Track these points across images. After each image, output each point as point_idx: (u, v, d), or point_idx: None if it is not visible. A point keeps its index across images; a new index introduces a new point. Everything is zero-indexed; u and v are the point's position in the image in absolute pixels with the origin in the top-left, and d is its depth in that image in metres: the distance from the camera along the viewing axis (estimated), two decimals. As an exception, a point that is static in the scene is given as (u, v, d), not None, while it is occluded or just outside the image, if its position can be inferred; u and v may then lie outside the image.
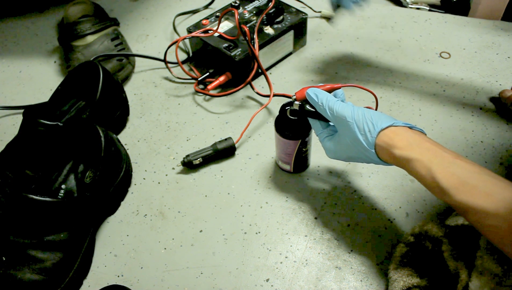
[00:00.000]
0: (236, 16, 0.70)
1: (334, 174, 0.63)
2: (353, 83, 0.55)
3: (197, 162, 0.63)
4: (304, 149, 0.58)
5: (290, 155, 0.59)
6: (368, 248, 0.54)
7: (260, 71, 0.75)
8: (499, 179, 0.38)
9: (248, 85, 0.75)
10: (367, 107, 0.55)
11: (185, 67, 0.81)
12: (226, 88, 0.76)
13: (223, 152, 0.65)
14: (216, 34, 0.75)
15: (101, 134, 0.57)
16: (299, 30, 0.80)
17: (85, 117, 0.64)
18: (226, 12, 0.74)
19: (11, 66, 0.86)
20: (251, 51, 0.71)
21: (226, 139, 0.66)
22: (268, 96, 0.72)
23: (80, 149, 0.61)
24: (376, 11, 0.91)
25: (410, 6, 0.95)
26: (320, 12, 0.90)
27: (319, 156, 0.64)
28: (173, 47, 0.84)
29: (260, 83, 0.77)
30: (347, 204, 0.59)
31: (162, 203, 0.61)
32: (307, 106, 0.52)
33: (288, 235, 0.56)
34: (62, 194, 0.59)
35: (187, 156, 0.64)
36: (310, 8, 0.90)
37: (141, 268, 0.55)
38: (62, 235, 0.52)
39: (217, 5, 0.93)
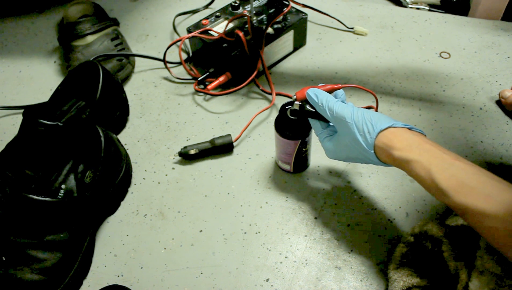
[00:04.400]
0: (249, 22, 0.71)
1: (334, 174, 0.63)
2: (353, 83, 0.55)
3: (193, 151, 0.64)
4: (304, 149, 0.59)
5: (290, 155, 0.59)
6: (368, 248, 0.54)
7: (260, 70, 0.76)
8: (499, 180, 0.38)
9: (248, 85, 0.76)
10: (368, 107, 0.55)
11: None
12: (225, 88, 0.76)
13: (220, 147, 0.65)
14: (216, 34, 0.75)
15: (101, 134, 0.57)
16: (299, 30, 0.80)
17: (85, 117, 0.64)
18: (236, 17, 0.74)
19: (11, 66, 0.86)
20: (258, 52, 0.71)
21: (225, 136, 0.66)
22: (270, 93, 0.73)
23: (80, 149, 0.61)
24: (376, 11, 0.91)
25: (410, 6, 0.95)
26: (353, 28, 0.86)
27: (319, 156, 0.64)
28: (174, 47, 0.85)
29: (260, 84, 0.77)
30: (347, 204, 0.59)
31: (162, 203, 0.61)
32: (307, 106, 0.52)
33: (288, 235, 0.56)
34: (62, 194, 0.59)
35: (185, 147, 0.65)
36: (343, 24, 0.87)
37: (141, 268, 0.55)
38: (62, 235, 0.52)
39: (217, 5, 0.93)
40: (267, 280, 0.53)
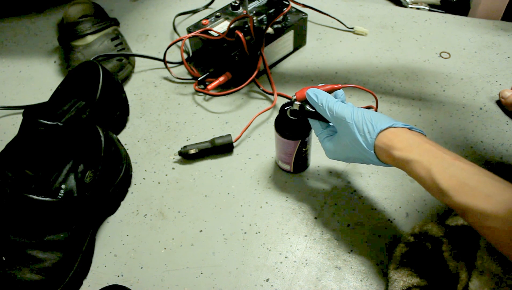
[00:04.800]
0: (251, 23, 0.71)
1: (334, 174, 0.63)
2: (353, 84, 0.55)
3: (192, 151, 0.64)
4: (304, 149, 0.58)
5: (290, 155, 0.59)
6: (368, 248, 0.54)
7: (260, 70, 0.76)
8: (499, 180, 0.38)
9: (248, 85, 0.76)
10: (368, 107, 0.55)
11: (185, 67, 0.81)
12: (226, 88, 0.76)
13: (220, 147, 0.65)
14: (216, 34, 0.75)
15: (101, 134, 0.57)
16: (299, 30, 0.80)
17: (85, 117, 0.64)
18: (239, 18, 0.74)
19: (11, 66, 0.86)
20: (258, 52, 0.71)
21: (225, 136, 0.66)
22: (271, 93, 0.73)
23: (80, 149, 0.61)
24: (376, 11, 0.91)
25: (410, 6, 0.95)
26: (353, 28, 0.86)
27: (319, 156, 0.64)
28: (174, 47, 0.85)
29: (260, 84, 0.77)
30: (347, 204, 0.59)
31: (162, 203, 0.61)
32: (307, 107, 0.52)
33: (288, 235, 0.56)
34: (62, 194, 0.59)
35: (184, 146, 0.65)
36: (343, 24, 0.87)
37: (141, 268, 0.55)
38: (62, 235, 0.52)
39: (217, 5, 0.93)
40: (267, 280, 0.52)
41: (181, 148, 0.65)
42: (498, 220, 0.36)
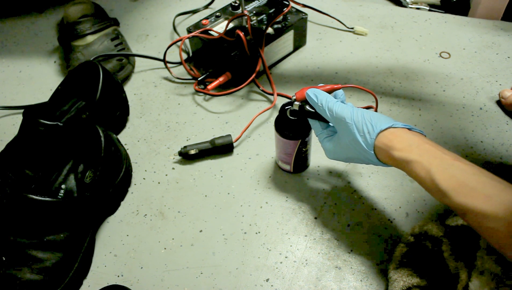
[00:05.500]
0: (249, 22, 0.71)
1: (334, 174, 0.63)
2: (353, 84, 0.55)
3: (192, 152, 0.64)
4: (304, 149, 0.59)
5: (290, 155, 0.59)
6: (368, 248, 0.54)
7: (260, 70, 0.76)
8: (498, 181, 0.38)
9: (248, 85, 0.76)
10: (368, 107, 0.55)
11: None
12: (226, 88, 0.76)
13: (220, 147, 0.65)
14: (216, 34, 0.75)
15: (101, 134, 0.57)
16: (299, 30, 0.80)
17: (85, 117, 0.64)
18: (236, 17, 0.74)
19: (11, 66, 0.86)
20: (258, 52, 0.71)
21: (225, 136, 0.66)
22: (271, 94, 0.73)
23: (80, 149, 0.61)
24: (376, 11, 0.91)
25: (410, 6, 0.95)
26: (353, 28, 0.86)
27: (319, 156, 0.64)
28: (174, 47, 0.85)
29: (260, 84, 0.77)
30: (347, 204, 0.59)
31: (162, 203, 0.61)
32: (307, 107, 0.52)
33: (288, 235, 0.56)
34: (62, 194, 0.59)
35: (184, 147, 0.65)
36: (343, 24, 0.87)
37: (141, 268, 0.55)
38: (62, 235, 0.52)
39: (217, 5, 0.93)
40: (267, 280, 0.53)
41: (181, 149, 0.65)
42: (498, 221, 0.36)
